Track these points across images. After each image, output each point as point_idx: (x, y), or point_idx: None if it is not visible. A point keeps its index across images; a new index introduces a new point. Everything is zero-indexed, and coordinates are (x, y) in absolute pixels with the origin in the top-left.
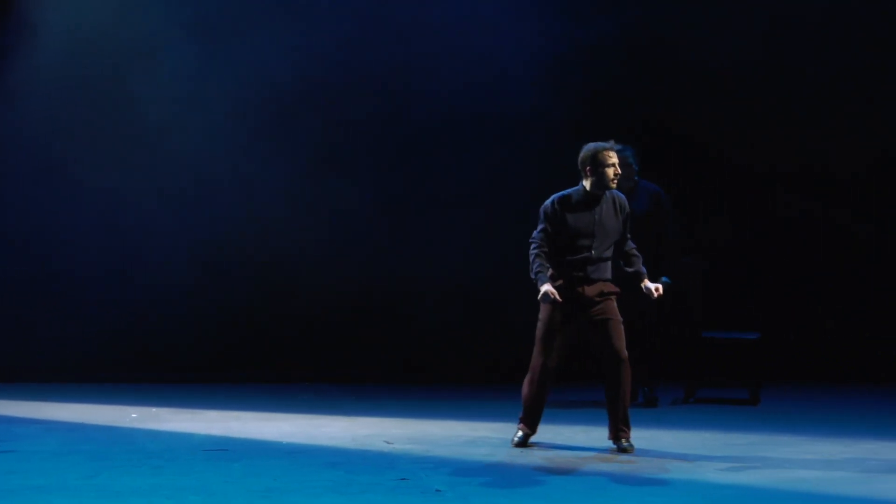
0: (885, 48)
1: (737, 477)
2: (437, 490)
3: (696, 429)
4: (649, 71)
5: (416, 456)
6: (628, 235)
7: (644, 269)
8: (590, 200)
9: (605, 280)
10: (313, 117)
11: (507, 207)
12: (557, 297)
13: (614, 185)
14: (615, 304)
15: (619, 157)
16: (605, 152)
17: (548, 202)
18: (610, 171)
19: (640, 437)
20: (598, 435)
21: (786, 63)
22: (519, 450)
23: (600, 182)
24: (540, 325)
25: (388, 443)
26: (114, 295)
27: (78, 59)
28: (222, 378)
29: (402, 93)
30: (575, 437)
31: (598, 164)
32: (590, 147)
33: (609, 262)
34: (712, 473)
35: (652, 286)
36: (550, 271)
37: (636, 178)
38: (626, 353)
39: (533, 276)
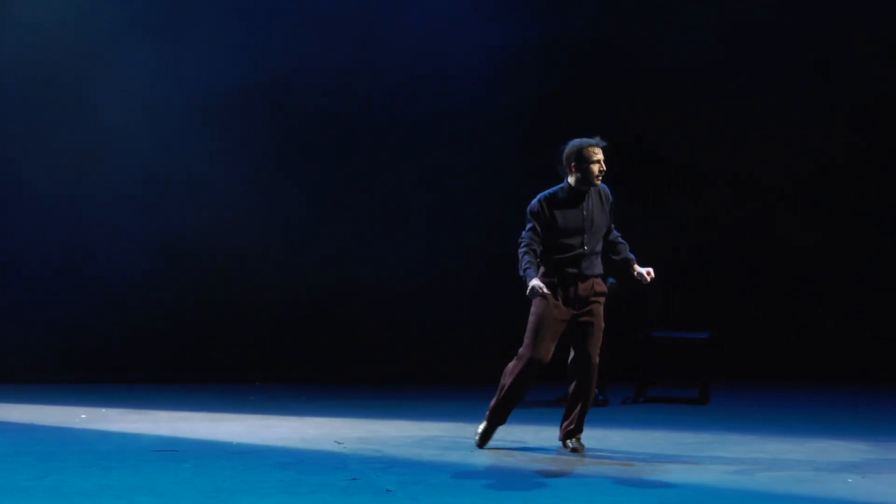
0: (830, 51)
1: (687, 476)
2: (388, 490)
3: (646, 428)
4: (599, 72)
5: (366, 456)
6: (612, 225)
7: (632, 256)
8: (576, 197)
9: (598, 276)
10: (265, 119)
11: (457, 208)
12: (545, 289)
13: (599, 182)
14: (602, 308)
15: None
16: (591, 148)
17: (534, 202)
18: (595, 168)
19: (590, 436)
20: (549, 435)
21: (737, 66)
22: (469, 449)
23: (585, 178)
24: (533, 318)
25: (338, 443)
26: (63, 296)
27: (32, 60)
28: (172, 379)
29: (352, 93)
30: (525, 437)
31: (582, 161)
32: (575, 143)
33: (600, 256)
34: (662, 473)
35: (643, 270)
36: (541, 269)
37: None
38: (598, 359)
39: (521, 272)
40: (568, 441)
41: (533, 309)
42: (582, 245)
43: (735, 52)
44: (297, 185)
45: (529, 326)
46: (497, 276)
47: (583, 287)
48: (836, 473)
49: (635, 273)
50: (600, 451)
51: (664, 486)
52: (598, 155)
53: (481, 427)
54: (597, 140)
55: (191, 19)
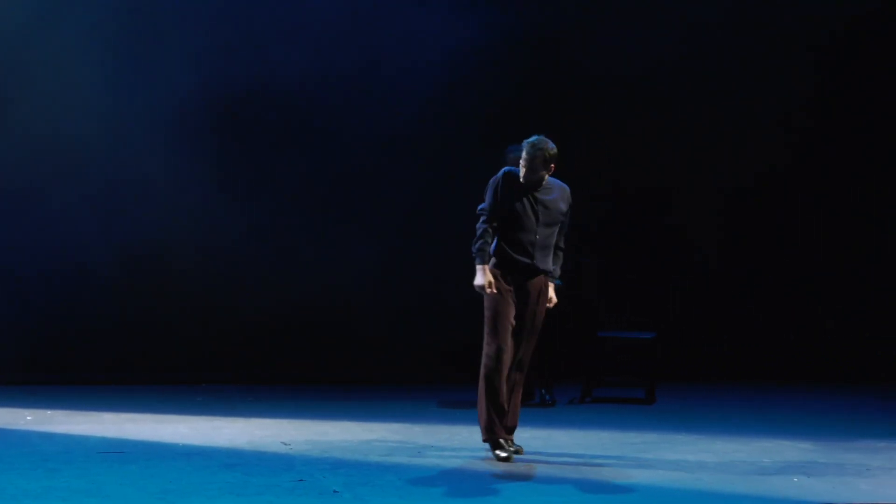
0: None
1: (633, 475)
2: (335, 491)
3: (592, 428)
4: (545, 75)
5: (313, 457)
6: (566, 232)
7: (556, 273)
8: (538, 185)
9: (547, 272)
10: (221, 126)
11: (399, 217)
12: (492, 289)
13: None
14: (545, 309)
15: (515, 157)
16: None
17: (498, 175)
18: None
19: (536, 436)
20: None
21: (685, 67)
22: (415, 451)
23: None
24: (487, 312)
25: (285, 444)
26: (7, 297)
27: None
28: (118, 380)
29: (314, 98)
30: (471, 438)
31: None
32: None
33: (551, 253)
34: (609, 472)
35: (552, 295)
36: (492, 259)
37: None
38: (529, 359)
39: (473, 252)
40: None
41: (486, 303)
42: (535, 233)
43: (684, 54)
44: (255, 188)
45: (486, 323)
46: (445, 276)
47: (533, 282)
48: (783, 473)
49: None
50: (546, 451)
51: (610, 487)
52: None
53: (496, 451)
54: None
55: (148, 26)
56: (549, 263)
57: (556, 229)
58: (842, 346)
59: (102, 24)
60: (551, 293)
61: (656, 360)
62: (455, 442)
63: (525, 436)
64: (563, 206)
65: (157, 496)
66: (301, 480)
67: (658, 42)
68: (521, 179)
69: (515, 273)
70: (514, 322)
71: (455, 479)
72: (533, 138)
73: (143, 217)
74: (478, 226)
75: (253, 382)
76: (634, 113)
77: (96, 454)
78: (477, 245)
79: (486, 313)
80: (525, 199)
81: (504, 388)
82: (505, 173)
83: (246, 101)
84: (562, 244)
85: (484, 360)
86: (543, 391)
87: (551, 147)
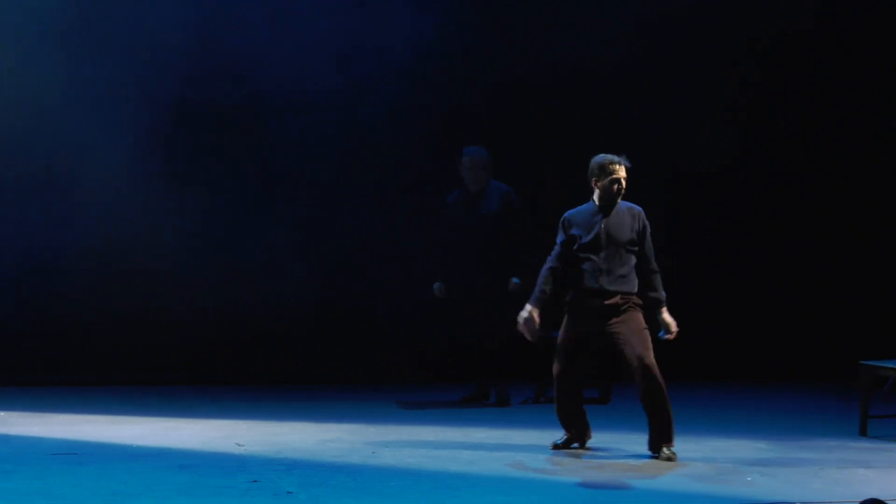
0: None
1: (588, 475)
2: (289, 492)
3: (546, 428)
4: (496, 79)
5: (267, 458)
6: (648, 254)
7: (661, 295)
8: (597, 211)
9: (626, 293)
10: (175, 127)
11: (357, 212)
12: (529, 335)
13: (618, 198)
14: (639, 313)
15: (471, 158)
16: (612, 164)
17: (566, 215)
18: (614, 186)
19: (491, 436)
20: (452, 435)
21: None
22: (370, 451)
23: (605, 194)
24: (559, 335)
25: (238, 445)
26: None
27: None
28: (71, 381)
29: (263, 104)
30: (426, 436)
31: (604, 175)
32: (598, 158)
33: (629, 276)
34: (564, 472)
35: (670, 321)
36: (544, 295)
37: (488, 179)
38: (651, 359)
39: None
40: (663, 449)
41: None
42: (599, 260)
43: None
44: (209, 190)
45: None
46: (391, 277)
47: (607, 301)
48: (736, 472)
49: (659, 319)
50: (502, 451)
51: (564, 486)
52: (620, 172)
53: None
54: (621, 158)
55: (102, 20)
56: (627, 286)
57: (628, 253)
58: (795, 346)
59: (49, 14)
60: (667, 316)
61: (611, 359)
62: (410, 442)
63: (480, 436)
64: (634, 230)
65: (110, 498)
66: (255, 481)
67: (604, 41)
68: None
69: (584, 300)
70: (586, 345)
71: (410, 479)
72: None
73: (96, 218)
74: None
75: (206, 383)
76: (586, 112)
77: (49, 456)
78: (537, 284)
79: (559, 336)
80: (588, 229)
81: (571, 404)
82: (568, 214)
83: (199, 101)
84: (653, 269)
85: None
86: (498, 391)
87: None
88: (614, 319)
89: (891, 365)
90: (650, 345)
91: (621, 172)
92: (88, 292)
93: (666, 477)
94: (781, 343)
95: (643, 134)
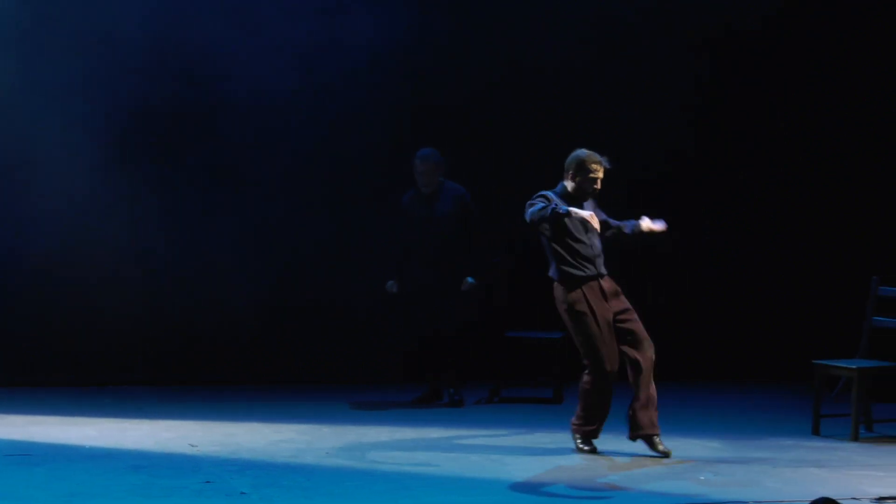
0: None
1: (542, 475)
2: (242, 493)
3: (500, 427)
4: (446, 80)
5: (220, 458)
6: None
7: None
8: (571, 200)
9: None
10: (124, 129)
11: (313, 212)
12: (579, 212)
13: (589, 199)
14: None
15: (423, 161)
16: (594, 164)
17: (545, 192)
18: (592, 185)
19: (444, 436)
20: (404, 435)
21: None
22: (324, 451)
23: (581, 189)
24: (582, 339)
25: (192, 445)
26: None
27: None
28: (24, 382)
29: (211, 105)
30: (379, 437)
31: (583, 172)
32: (580, 153)
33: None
34: (517, 471)
35: (653, 225)
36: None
37: (441, 179)
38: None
39: (549, 213)
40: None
41: (576, 327)
42: (590, 245)
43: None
44: (143, 188)
45: (585, 344)
46: (346, 277)
47: (606, 285)
48: (691, 471)
49: (646, 229)
50: (455, 451)
51: (519, 486)
52: (599, 173)
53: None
54: (603, 159)
55: (46, 20)
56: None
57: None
58: (749, 345)
59: (0, 14)
60: (650, 223)
61: (564, 359)
62: (364, 442)
63: (433, 436)
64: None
65: (64, 499)
66: (208, 482)
67: (554, 40)
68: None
69: (590, 285)
70: (612, 328)
71: (364, 480)
72: None
73: (48, 219)
74: (532, 209)
75: (160, 384)
76: (539, 110)
77: (2, 457)
78: (547, 208)
79: (579, 338)
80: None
81: (608, 406)
82: (546, 194)
83: (155, 101)
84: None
85: (587, 376)
86: (452, 391)
87: None
88: (617, 304)
89: (843, 364)
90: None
91: (600, 173)
92: (39, 293)
93: (620, 476)
94: (735, 343)
95: (600, 132)
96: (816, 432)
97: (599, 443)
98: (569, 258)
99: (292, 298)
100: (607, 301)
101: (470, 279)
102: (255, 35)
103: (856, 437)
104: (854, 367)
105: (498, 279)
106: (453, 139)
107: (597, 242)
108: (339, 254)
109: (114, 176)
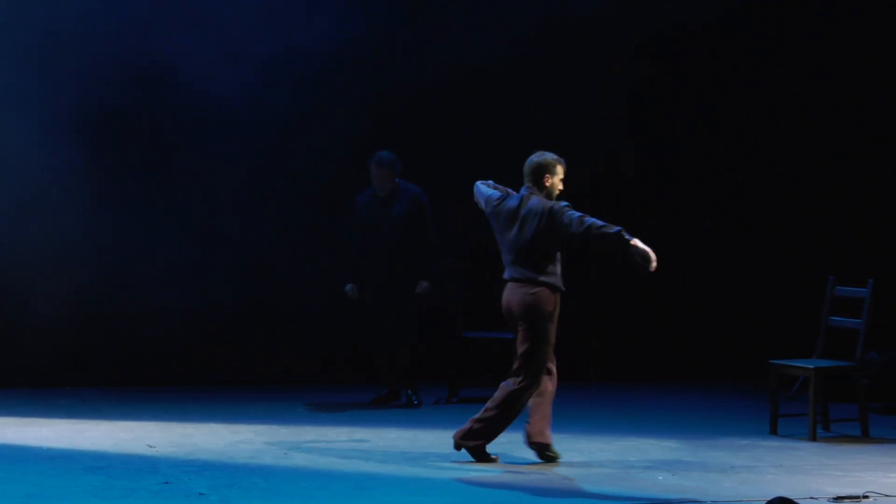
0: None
1: (499, 476)
2: (200, 493)
3: (457, 428)
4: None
5: (178, 459)
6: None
7: None
8: None
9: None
10: (73, 127)
11: (266, 213)
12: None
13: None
14: None
15: (378, 165)
16: (560, 166)
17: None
18: (560, 184)
19: (402, 437)
20: (361, 436)
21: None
22: (282, 452)
23: (550, 193)
24: (546, 348)
25: (150, 447)
26: None
27: None
28: None
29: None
30: (337, 437)
31: (555, 175)
32: (547, 156)
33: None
34: (474, 472)
35: None
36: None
37: (397, 180)
38: None
39: (613, 233)
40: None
41: (547, 336)
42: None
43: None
44: (90, 188)
45: (546, 353)
46: (302, 278)
47: None
48: (648, 471)
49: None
50: (413, 451)
51: (476, 486)
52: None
53: (473, 446)
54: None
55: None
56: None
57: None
58: (706, 345)
59: None
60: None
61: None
62: (322, 443)
63: (391, 436)
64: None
65: (20, 500)
66: (166, 483)
67: (508, 40)
68: None
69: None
70: None
71: (322, 480)
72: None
73: (2, 224)
74: (584, 220)
75: (117, 385)
76: (489, 111)
77: None
78: (611, 227)
79: (540, 344)
80: None
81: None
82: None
83: (106, 107)
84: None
85: (517, 382)
86: (410, 392)
87: None
88: None
89: (800, 364)
90: None
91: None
92: None
93: (578, 475)
94: (692, 343)
95: (543, 132)
96: (774, 432)
97: (555, 445)
98: (558, 268)
99: (249, 299)
100: None
101: (424, 282)
102: (205, 37)
103: (813, 437)
104: (811, 366)
105: (453, 280)
106: (405, 140)
107: None
108: (295, 254)
109: (60, 179)
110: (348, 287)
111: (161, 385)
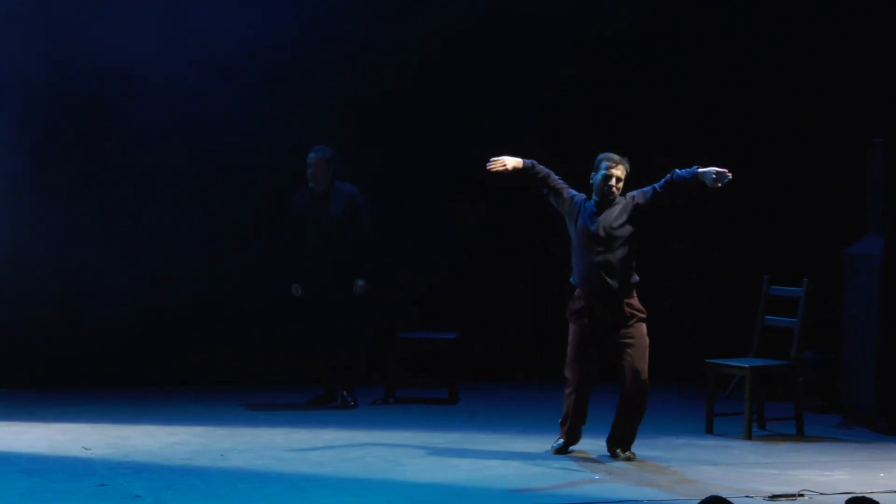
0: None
1: (437, 475)
2: (137, 496)
3: (395, 428)
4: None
5: (114, 461)
6: (653, 190)
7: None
8: (596, 207)
9: (628, 297)
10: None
11: (207, 213)
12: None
13: (612, 195)
14: (643, 326)
15: (312, 157)
16: (605, 160)
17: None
18: (606, 181)
19: (339, 437)
20: (299, 437)
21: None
22: (219, 453)
23: (597, 191)
24: (568, 346)
25: (86, 449)
26: None
27: None
28: None
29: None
30: (274, 438)
31: (598, 170)
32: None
33: (629, 274)
34: (412, 472)
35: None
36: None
37: (333, 179)
38: (646, 374)
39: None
40: (619, 451)
41: (570, 339)
42: (604, 254)
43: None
44: (17, 187)
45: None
46: (239, 279)
47: (613, 307)
48: (584, 471)
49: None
50: (350, 452)
51: (411, 485)
52: (615, 171)
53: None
54: (620, 157)
55: None
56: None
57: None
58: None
59: None
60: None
61: (458, 360)
62: (259, 444)
63: (328, 437)
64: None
65: None
66: (103, 485)
67: (421, 43)
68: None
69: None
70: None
71: (259, 481)
72: None
73: None
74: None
75: (52, 387)
76: (428, 110)
77: None
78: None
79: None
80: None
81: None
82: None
83: (25, 105)
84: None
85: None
86: (345, 393)
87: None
88: (621, 331)
89: (735, 363)
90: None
91: (616, 171)
92: None
93: (515, 475)
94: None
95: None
96: (710, 431)
97: (492, 445)
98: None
99: (184, 300)
100: None
101: (360, 282)
102: (144, 32)
103: (749, 436)
104: (746, 365)
105: (390, 280)
106: (345, 140)
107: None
108: (229, 255)
109: (8, 182)
110: (294, 287)
111: (96, 387)
